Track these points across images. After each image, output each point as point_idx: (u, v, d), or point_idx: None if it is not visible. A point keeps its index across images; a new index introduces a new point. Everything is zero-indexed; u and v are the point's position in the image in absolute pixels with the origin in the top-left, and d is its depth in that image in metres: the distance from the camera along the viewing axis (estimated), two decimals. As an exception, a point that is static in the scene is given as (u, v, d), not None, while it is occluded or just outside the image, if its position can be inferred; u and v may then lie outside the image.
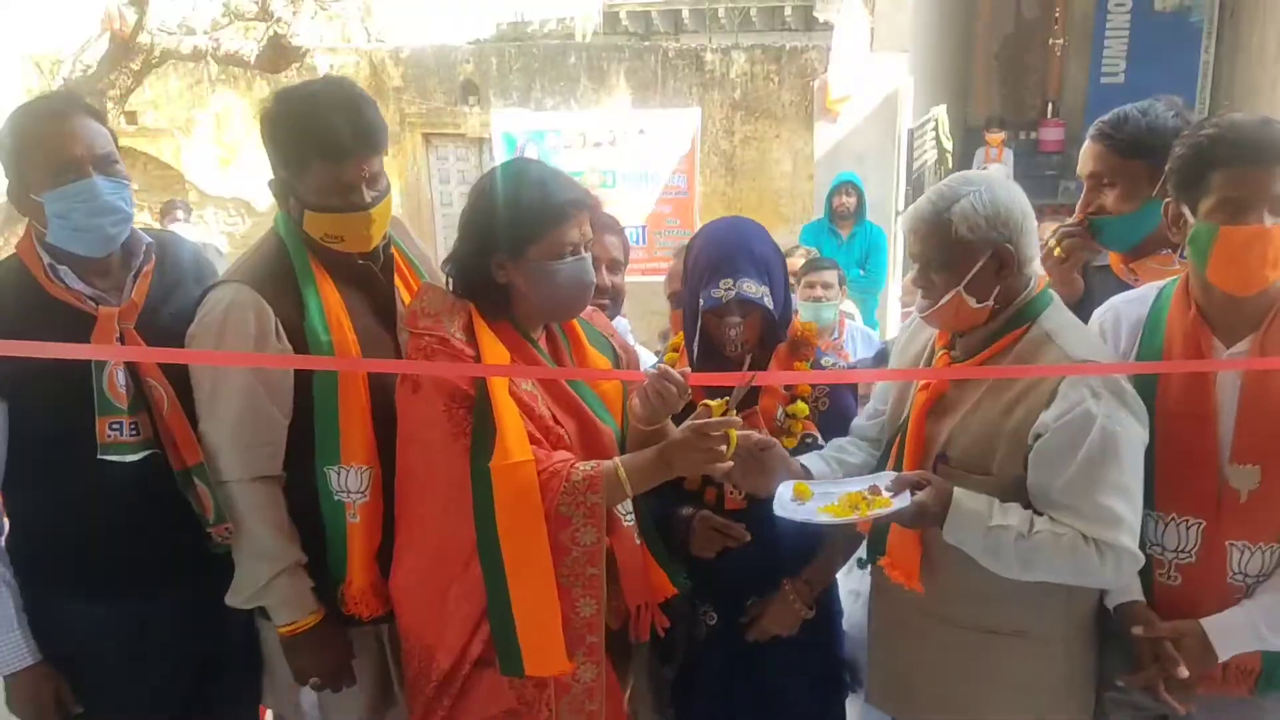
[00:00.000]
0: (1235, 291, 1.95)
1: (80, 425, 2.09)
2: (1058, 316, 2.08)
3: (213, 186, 11.67)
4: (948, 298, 2.01)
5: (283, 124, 2.15)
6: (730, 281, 2.22)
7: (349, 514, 2.19)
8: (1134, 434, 1.94)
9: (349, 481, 2.17)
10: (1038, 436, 1.95)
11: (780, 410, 2.36)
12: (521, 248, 2.07)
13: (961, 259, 1.99)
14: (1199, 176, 1.93)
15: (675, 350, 2.50)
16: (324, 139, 2.08)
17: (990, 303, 2.03)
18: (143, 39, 8.61)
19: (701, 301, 2.25)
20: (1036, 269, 2.08)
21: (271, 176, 2.22)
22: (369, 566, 2.22)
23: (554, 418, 2.11)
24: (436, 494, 2.08)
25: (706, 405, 2.03)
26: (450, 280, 2.18)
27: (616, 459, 2.07)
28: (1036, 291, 2.07)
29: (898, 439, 2.17)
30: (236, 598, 2.21)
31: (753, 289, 2.22)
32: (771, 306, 2.26)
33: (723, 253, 2.28)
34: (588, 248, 2.14)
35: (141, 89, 9.99)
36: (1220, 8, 11.58)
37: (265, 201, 10.47)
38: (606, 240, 2.78)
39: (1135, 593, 2.05)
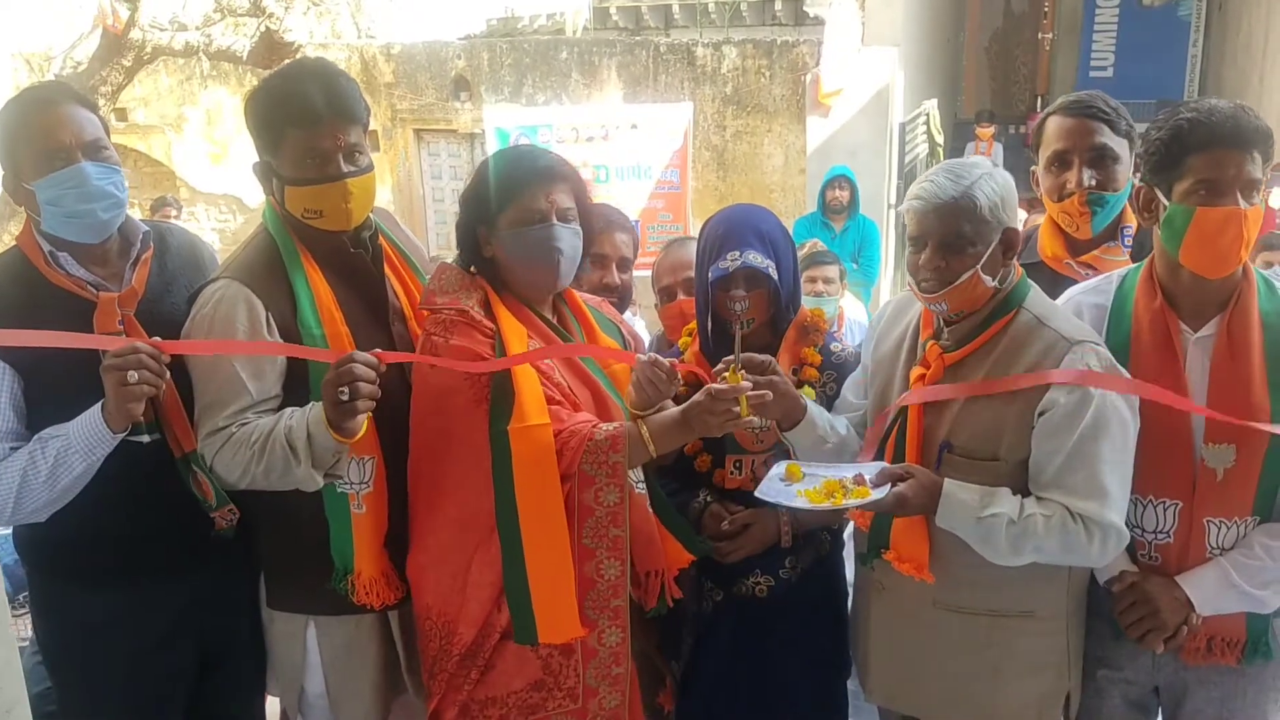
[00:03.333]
0: (1207, 274, 1.99)
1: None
2: (1040, 301, 2.12)
3: (204, 183, 11.66)
4: (966, 276, 2.02)
5: (260, 101, 2.17)
6: (736, 253, 2.28)
7: (353, 505, 2.20)
8: (1126, 414, 1.99)
9: (351, 473, 2.18)
10: (1043, 413, 2.00)
11: None
12: (495, 218, 2.16)
13: (981, 238, 2.02)
14: (1175, 160, 1.97)
15: (690, 335, 2.54)
16: (296, 106, 2.11)
17: (996, 283, 2.06)
18: (134, 35, 8.59)
19: (710, 274, 2.30)
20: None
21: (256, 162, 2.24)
22: (379, 555, 2.23)
23: (569, 386, 2.17)
24: (457, 464, 2.11)
25: (723, 375, 2.08)
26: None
27: (640, 420, 2.11)
28: (1017, 279, 2.11)
29: (894, 430, 2.18)
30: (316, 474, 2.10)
31: (757, 259, 2.27)
32: (777, 279, 2.31)
33: (729, 228, 2.34)
34: (563, 217, 2.18)
35: (132, 86, 9.98)
36: (1209, 3, 11.65)
37: (256, 198, 10.46)
38: (617, 238, 2.79)
39: (1124, 564, 2.10)
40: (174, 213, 8.27)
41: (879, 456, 2.21)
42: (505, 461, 2.04)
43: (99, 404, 2.00)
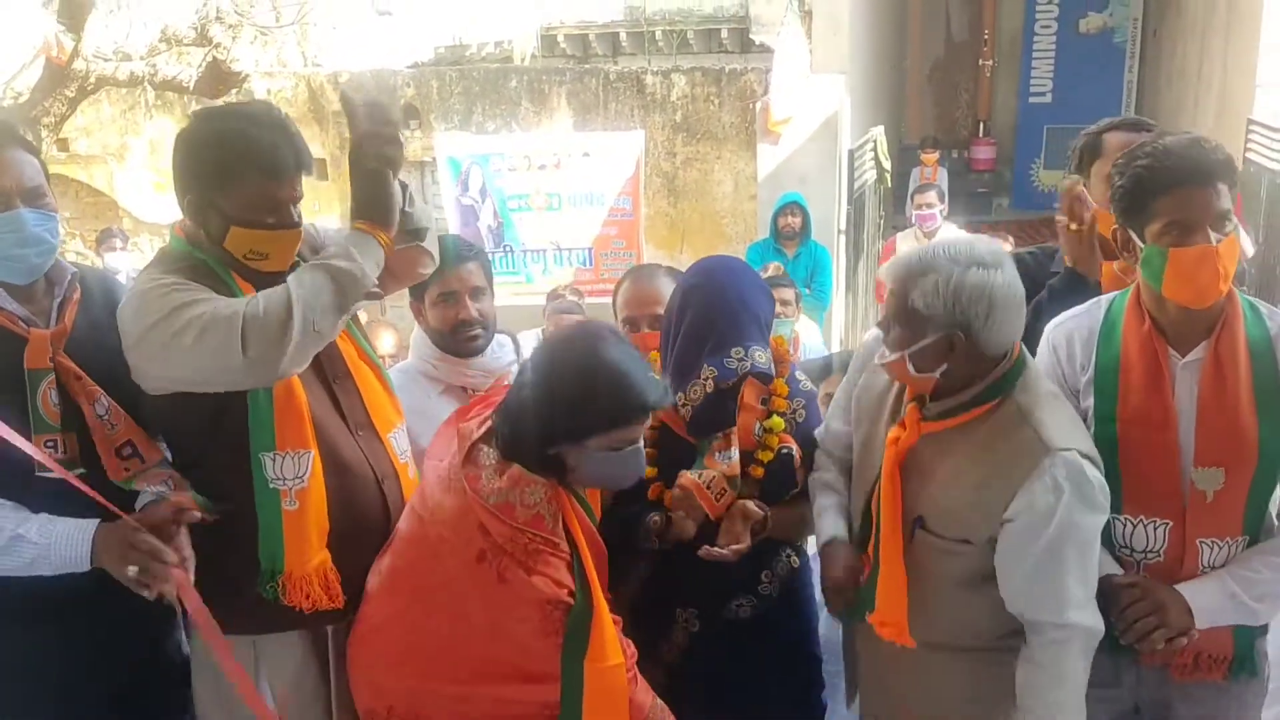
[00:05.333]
0: (1191, 305, 2.02)
1: (13, 447, 2.05)
2: (1032, 387, 2.07)
3: (147, 213, 11.50)
4: (893, 357, 2.03)
5: (215, 139, 2.18)
6: (742, 351, 2.23)
7: (285, 501, 2.16)
8: (1090, 525, 1.99)
9: (285, 468, 2.16)
10: (1009, 520, 2.00)
11: (758, 425, 2.40)
12: (584, 438, 2.08)
13: (913, 328, 2.00)
14: (1142, 205, 2.00)
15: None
16: (265, 155, 2.14)
17: (934, 376, 2.03)
18: (78, 65, 8.48)
19: (716, 371, 2.24)
20: (1009, 347, 2.05)
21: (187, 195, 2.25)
22: (312, 555, 2.18)
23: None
24: (486, 654, 2.07)
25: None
26: (496, 438, 2.15)
27: None
28: (1010, 365, 2.06)
29: (873, 496, 2.17)
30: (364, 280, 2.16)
31: (762, 358, 2.24)
32: (773, 369, 2.32)
33: (728, 321, 2.27)
34: (644, 435, 2.16)
35: (74, 116, 9.83)
36: (1143, 29, 11.97)
37: (204, 228, 10.31)
38: (465, 269, 2.66)
39: (1109, 566, 2.11)
40: (120, 244, 8.12)
41: (865, 519, 2.24)
42: (576, 694, 2.03)
43: (93, 532, 2.06)
